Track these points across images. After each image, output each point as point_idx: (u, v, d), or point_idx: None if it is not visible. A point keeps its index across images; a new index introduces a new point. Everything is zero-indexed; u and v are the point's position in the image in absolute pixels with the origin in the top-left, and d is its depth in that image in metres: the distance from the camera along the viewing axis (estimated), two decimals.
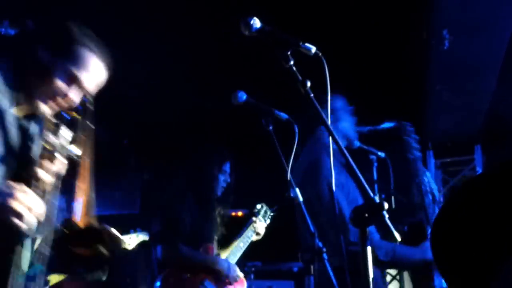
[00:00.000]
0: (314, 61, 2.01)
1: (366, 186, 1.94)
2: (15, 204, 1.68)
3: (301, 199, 2.49)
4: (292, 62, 1.98)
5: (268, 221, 4.32)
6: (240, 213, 9.03)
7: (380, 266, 3.11)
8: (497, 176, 0.92)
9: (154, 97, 5.64)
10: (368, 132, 3.41)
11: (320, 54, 1.97)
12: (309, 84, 1.96)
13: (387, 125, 3.40)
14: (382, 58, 5.01)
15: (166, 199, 3.92)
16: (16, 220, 1.69)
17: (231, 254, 3.98)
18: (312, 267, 2.37)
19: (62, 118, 1.99)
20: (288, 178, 2.50)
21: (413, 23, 4.57)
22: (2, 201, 1.68)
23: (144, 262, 4.59)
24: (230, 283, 3.81)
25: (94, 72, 2.04)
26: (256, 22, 1.99)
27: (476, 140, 6.43)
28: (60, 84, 1.95)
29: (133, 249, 3.80)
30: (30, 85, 1.94)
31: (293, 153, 2.56)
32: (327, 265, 2.31)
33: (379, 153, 3.59)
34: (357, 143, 3.54)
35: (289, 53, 1.99)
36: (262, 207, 4.35)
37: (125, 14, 4.50)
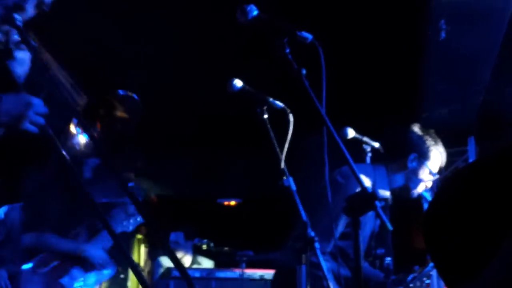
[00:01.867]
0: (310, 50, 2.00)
1: (359, 176, 1.95)
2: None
3: (294, 187, 2.49)
4: (288, 50, 1.98)
5: (138, 219, 4.32)
6: (232, 202, 9.07)
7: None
8: (489, 165, 0.92)
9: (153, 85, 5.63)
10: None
11: (317, 43, 1.97)
12: (304, 72, 1.96)
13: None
14: (377, 48, 5.00)
15: (32, 187, 3.94)
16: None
17: (98, 240, 3.97)
18: (304, 256, 2.37)
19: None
20: (282, 167, 2.50)
21: (409, 13, 4.56)
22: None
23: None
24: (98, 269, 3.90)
25: None
26: (253, 10, 1.98)
27: (470, 132, 6.44)
28: None
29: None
30: None
31: (287, 141, 2.56)
32: (319, 254, 2.31)
33: (373, 143, 3.58)
34: (351, 133, 3.53)
35: (285, 41, 1.99)
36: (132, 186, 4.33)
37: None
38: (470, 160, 6.52)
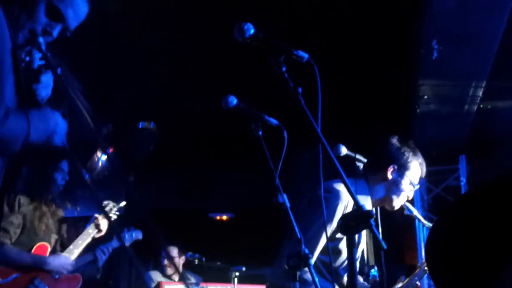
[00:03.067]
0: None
1: (354, 193, 1.96)
2: None
3: (288, 204, 2.50)
4: (284, 69, 2.00)
5: (114, 217, 4.33)
6: (224, 217, 9.05)
7: None
8: (485, 192, 0.94)
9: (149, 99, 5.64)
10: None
11: (312, 61, 1.99)
12: (300, 90, 1.97)
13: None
14: (371, 66, 5.04)
15: None
16: None
17: (68, 251, 4.02)
18: (298, 273, 2.37)
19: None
20: (276, 183, 2.51)
21: (402, 32, 4.61)
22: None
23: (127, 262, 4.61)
24: (63, 281, 3.91)
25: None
26: (250, 28, 2.00)
27: (461, 150, 6.49)
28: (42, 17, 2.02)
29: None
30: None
31: (282, 158, 2.57)
32: (313, 271, 2.31)
33: (365, 160, 3.60)
34: (343, 150, 3.55)
35: (281, 59, 2.01)
36: (108, 203, 4.37)
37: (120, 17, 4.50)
38: (462, 178, 6.56)
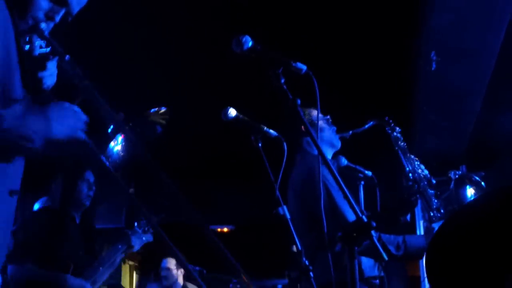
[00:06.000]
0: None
1: (355, 204, 1.96)
2: None
3: (288, 216, 2.50)
4: (283, 81, 2.01)
5: (144, 238, 4.18)
6: (225, 229, 9.02)
7: (396, 260, 3.12)
8: (489, 207, 0.94)
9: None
10: (351, 135, 3.42)
11: (311, 73, 2.00)
12: (299, 102, 1.98)
13: (368, 125, 3.41)
14: (370, 77, 5.06)
15: (22, 218, 3.83)
16: None
17: (93, 269, 3.80)
18: (298, 285, 2.37)
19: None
20: (277, 195, 2.51)
21: (401, 44, 4.63)
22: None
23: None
24: None
25: None
26: (248, 41, 2.01)
27: (461, 161, 6.48)
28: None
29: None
30: None
31: (282, 170, 2.57)
32: (313, 283, 2.31)
33: (366, 172, 3.61)
34: (344, 161, 3.56)
35: (280, 71, 2.02)
36: (141, 219, 4.22)
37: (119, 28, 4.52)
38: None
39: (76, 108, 1.97)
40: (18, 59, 1.93)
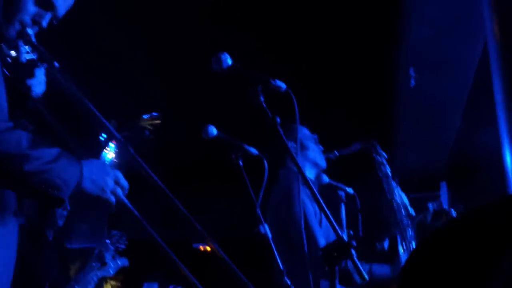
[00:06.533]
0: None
1: (334, 223, 1.94)
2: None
3: (270, 235, 2.48)
4: (262, 99, 2.00)
5: (120, 262, 4.14)
6: (208, 248, 8.94)
7: None
8: (464, 225, 0.94)
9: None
10: (337, 157, 3.41)
11: (290, 91, 2.00)
12: (279, 120, 1.98)
13: (355, 147, 3.41)
14: (349, 94, 5.08)
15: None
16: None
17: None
18: None
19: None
20: (258, 214, 2.49)
21: (380, 60, 4.67)
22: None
23: None
24: None
25: None
26: (227, 58, 2.01)
27: (441, 177, 6.53)
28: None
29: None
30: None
31: (263, 188, 2.56)
32: None
33: (348, 189, 3.61)
34: (326, 179, 3.55)
35: (259, 89, 2.01)
36: (115, 234, 4.17)
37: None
38: (443, 205, 6.58)
39: (118, 172, 1.90)
40: (2, 66, 1.87)
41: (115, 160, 2.13)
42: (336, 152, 3.38)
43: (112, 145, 2.11)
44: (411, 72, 4.46)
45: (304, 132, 3.35)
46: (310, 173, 3.29)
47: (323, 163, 3.35)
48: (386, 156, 3.45)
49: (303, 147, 3.23)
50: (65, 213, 3.82)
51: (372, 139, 3.47)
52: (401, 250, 3.21)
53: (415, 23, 4.04)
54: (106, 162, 1.91)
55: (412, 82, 4.50)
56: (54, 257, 3.81)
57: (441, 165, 6.19)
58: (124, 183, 1.91)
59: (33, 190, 1.71)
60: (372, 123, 5.37)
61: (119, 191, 1.90)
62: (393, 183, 3.38)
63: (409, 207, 3.39)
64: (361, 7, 4.29)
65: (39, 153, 1.68)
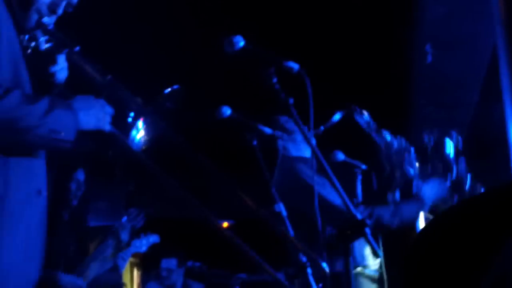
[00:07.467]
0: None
1: (348, 201, 1.97)
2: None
3: (285, 213, 2.51)
4: (275, 80, 2.02)
5: (150, 239, 4.18)
6: (225, 224, 9.04)
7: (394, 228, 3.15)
8: (471, 210, 0.95)
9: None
10: (323, 131, 3.40)
11: (303, 72, 2.01)
12: (292, 101, 1.99)
13: (337, 116, 3.37)
14: (365, 72, 5.06)
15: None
16: None
17: (84, 265, 3.85)
18: (295, 281, 2.39)
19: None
20: (272, 193, 2.53)
21: (396, 37, 4.63)
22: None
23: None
24: None
25: None
26: (240, 40, 2.02)
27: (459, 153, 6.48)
28: None
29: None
30: None
31: (277, 167, 2.59)
32: (311, 280, 2.33)
33: (363, 166, 3.61)
34: (341, 156, 3.56)
35: (272, 71, 2.02)
36: (133, 211, 4.19)
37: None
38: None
39: (101, 100, 1.97)
40: (23, 57, 1.91)
41: (145, 137, 2.16)
42: (322, 127, 3.35)
43: (140, 123, 2.14)
44: (428, 48, 4.41)
45: (283, 120, 3.34)
46: (306, 153, 3.31)
47: (313, 141, 3.35)
48: (368, 112, 3.43)
49: (289, 132, 3.22)
50: (79, 193, 3.88)
51: (351, 104, 3.42)
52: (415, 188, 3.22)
53: (431, 2, 4.00)
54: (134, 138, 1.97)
55: (429, 58, 4.46)
56: (70, 236, 3.90)
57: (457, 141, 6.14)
58: (109, 109, 1.99)
59: (42, 141, 1.81)
60: (389, 100, 5.35)
61: (108, 118, 1.97)
62: (384, 132, 3.37)
63: (409, 147, 3.39)
64: None
65: (35, 107, 1.77)
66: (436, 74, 4.81)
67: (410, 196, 3.34)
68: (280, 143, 3.20)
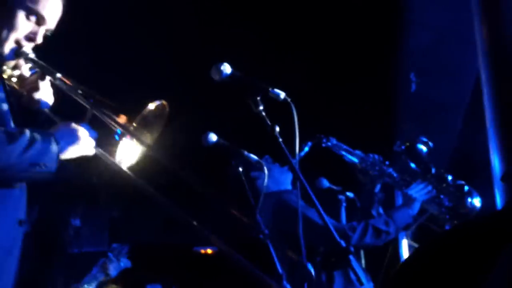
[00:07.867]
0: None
1: (332, 228, 1.96)
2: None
3: (269, 241, 2.50)
4: (261, 107, 2.02)
5: (122, 263, 4.16)
6: (209, 251, 8.95)
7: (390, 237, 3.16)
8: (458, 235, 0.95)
9: None
10: (298, 162, 3.42)
11: (289, 100, 2.02)
12: (277, 129, 2.00)
13: (306, 147, 3.39)
14: (351, 98, 5.10)
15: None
16: None
17: None
18: None
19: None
20: (257, 219, 2.52)
21: (381, 64, 4.68)
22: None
23: None
24: None
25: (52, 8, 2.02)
26: (227, 68, 2.03)
27: None
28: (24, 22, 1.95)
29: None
30: None
31: (263, 194, 2.58)
32: None
33: (348, 193, 3.64)
34: (325, 183, 3.58)
35: (258, 98, 2.03)
36: (116, 247, 4.20)
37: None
38: None
39: (85, 125, 1.98)
40: (4, 91, 1.92)
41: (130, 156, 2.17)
42: (297, 157, 3.37)
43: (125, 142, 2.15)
44: (412, 77, 4.47)
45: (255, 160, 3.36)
46: (287, 183, 3.34)
47: (288, 173, 3.37)
48: (335, 138, 3.47)
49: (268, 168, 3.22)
50: (77, 223, 3.86)
51: (317, 134, 3.46)
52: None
53: (415, 29, 4.06)
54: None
55: (413, 87, 4.51)
56: (57, 262, 3.85)
57: (442, 167, 6.18)
58: (93, 133, 2.00)
59: (23, 175, 1.83)
60: (374, 126, 5.38)
61: (91, 142, 1.99)
62: (357, 151, 3.41)
63: (382, 160, 3.43)
64: (362, 14, 4.31)
65: (16, 145, 1.78)
66: (420, 101, 4.86)
67: (394, 206, 3.40)
68: (259, 182, 3.22)
